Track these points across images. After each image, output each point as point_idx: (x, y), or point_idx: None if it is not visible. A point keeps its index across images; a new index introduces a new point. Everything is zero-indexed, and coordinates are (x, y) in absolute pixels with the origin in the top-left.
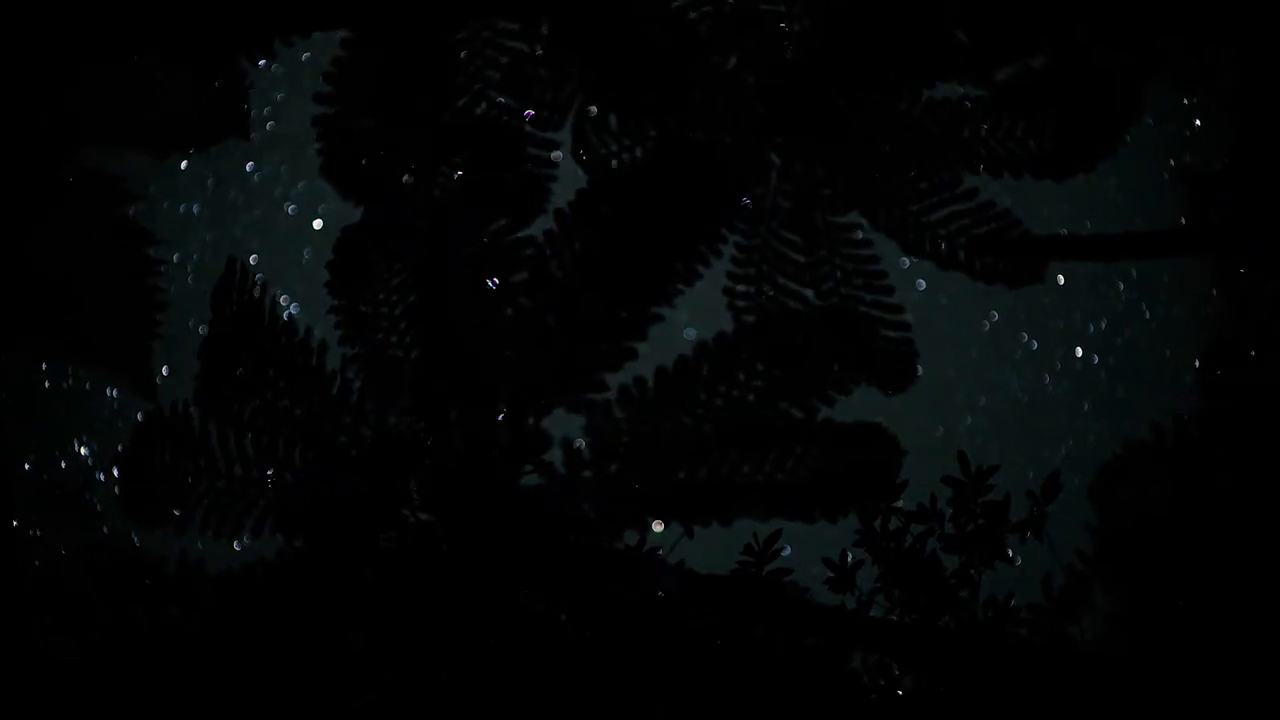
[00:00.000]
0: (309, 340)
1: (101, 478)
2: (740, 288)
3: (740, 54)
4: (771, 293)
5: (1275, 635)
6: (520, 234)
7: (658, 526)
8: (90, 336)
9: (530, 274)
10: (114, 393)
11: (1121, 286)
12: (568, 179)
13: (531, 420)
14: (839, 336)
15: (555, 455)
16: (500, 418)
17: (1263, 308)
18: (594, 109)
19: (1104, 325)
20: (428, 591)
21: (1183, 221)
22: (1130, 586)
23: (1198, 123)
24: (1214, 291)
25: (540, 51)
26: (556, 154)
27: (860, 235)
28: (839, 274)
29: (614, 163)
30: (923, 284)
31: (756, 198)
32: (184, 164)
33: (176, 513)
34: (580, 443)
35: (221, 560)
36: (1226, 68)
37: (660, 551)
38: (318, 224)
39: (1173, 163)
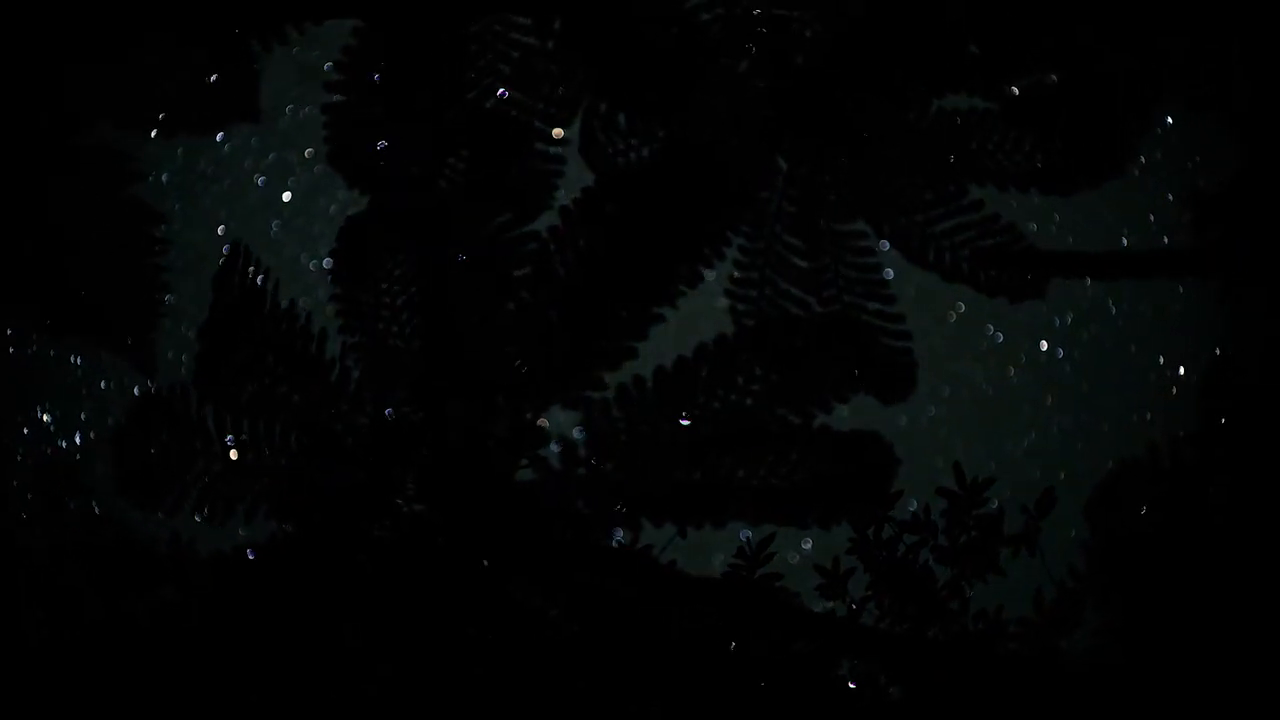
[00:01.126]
0: (309, 327)
1: (63, 445)
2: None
3: (751, 57)
4: (774, 296)
5: (1267, 655)
6: (525, 229)
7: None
8: (95, 314)
9: (533, 269)
10: (77, 360)
11: (1088, 281)
12: (574, 176)
13: (529, 415)
14: (838, 344)
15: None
16: (497, 411)
17: (1261, 324)
18: (603, 107)
19: (1069, 319)
20: (421, 582)
21: (1188, 241)
22: (1123, 603)
23: (1205, 143)
24: (1216, 309)
25: (551, 48)
26: (558, 132)
27: (865, 243)
28: (842, 281)
29: (621, 161)
30: (890, 273)
31: (762, 202)
32: (153, 133)
33: (169, 495)
34: (543, 421)
35: (213, 544)
36: (1236, 89)
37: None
38: (286, 196)
39: (1179, 182)
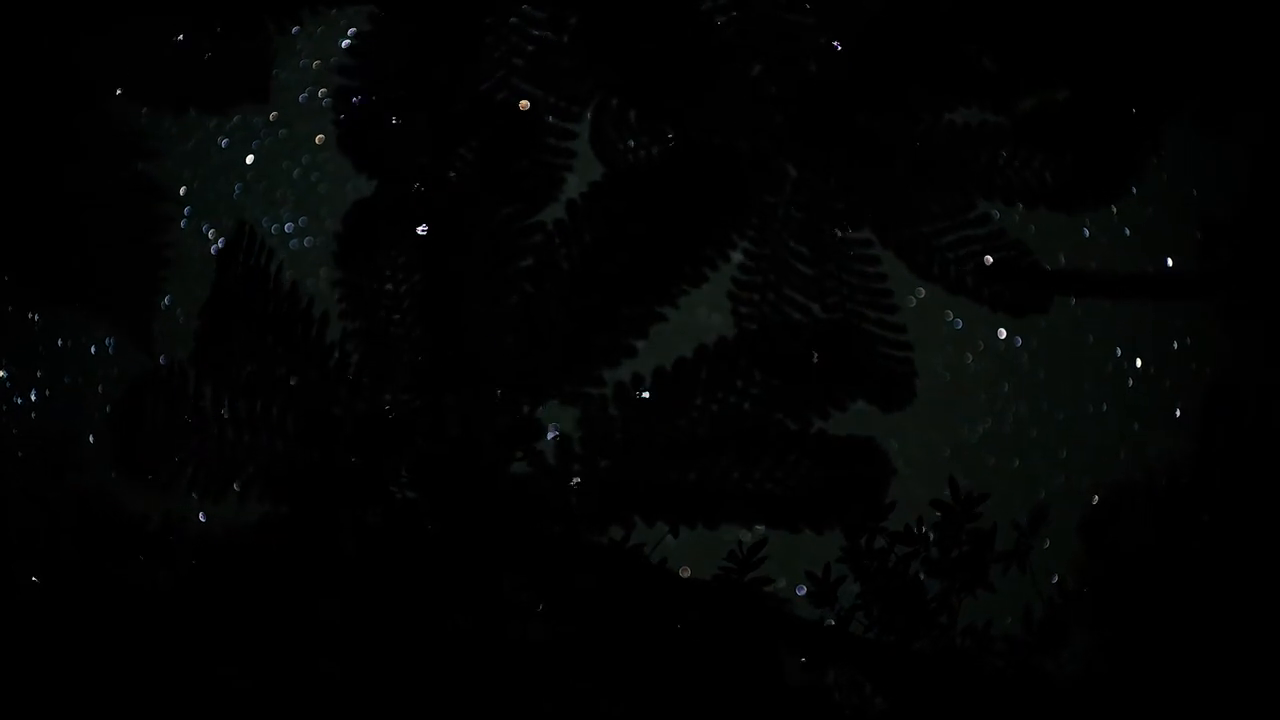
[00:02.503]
0: (311, 310)
1: (19, 401)
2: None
3: (764, 62)
4: (777, 301)
5: (1256, 680)
6: (530, 221)
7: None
8: (98, 287)
9: (537, 262)
10: (35, 318)
11: (1039, 263)
12: (583, 171)
13: (526, 409)
14: (838, 351)
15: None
16: (495, 404)
17: (1264, 346)
18: (615, 103)
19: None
20: (411, 569)
21: (1195, 262)
22: (1112, 624)
23: (1215, 164)
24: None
25: (566, 42)
26: (524, 104)
27: (870, 252)
28: (845, 289)
29: (630, 159)
30: (853, 253)
31: (769, 207)
32: (118, 91)
33: (163, 472)
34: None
35: (206, 523)
36: (1247, 110)
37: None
38: (249, 159)
39: (1186, 202)
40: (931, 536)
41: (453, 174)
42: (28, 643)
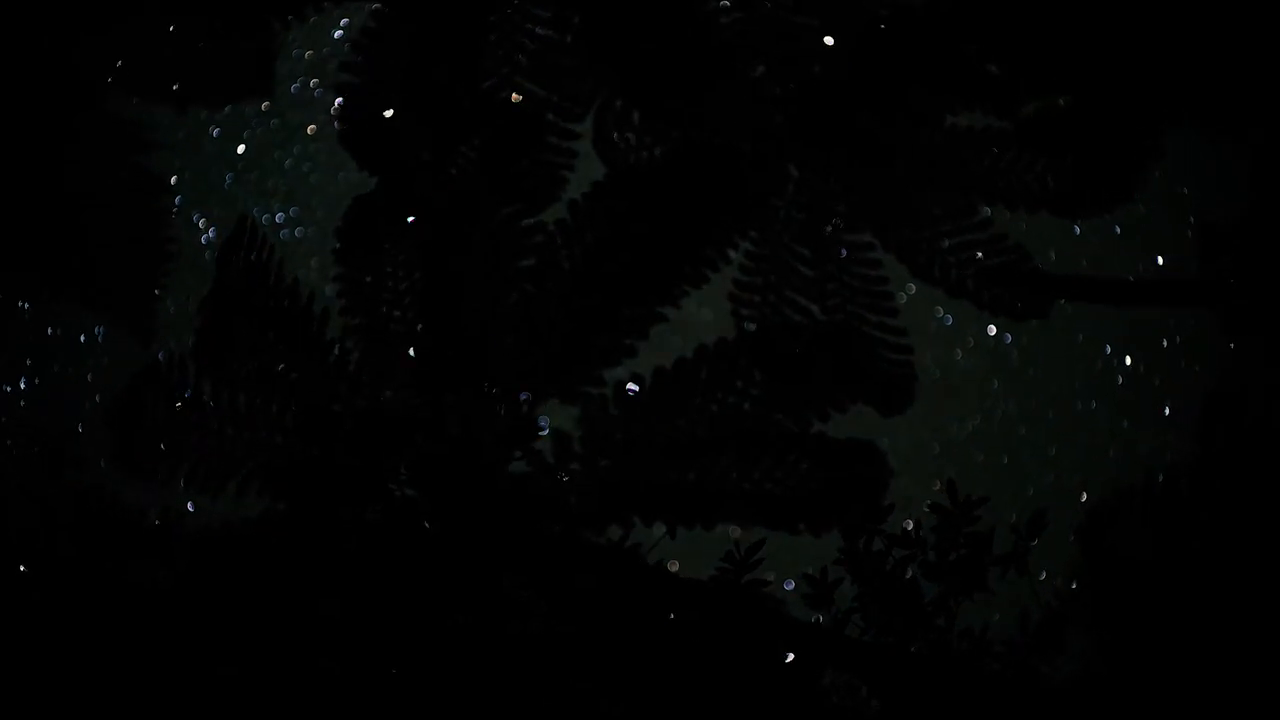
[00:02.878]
0: (312, 306)
1: (9, 389)
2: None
3: (766, 63)
4: (777, 303)
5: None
6: (532, 220)
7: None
8: (100, 280)
9: (538, 261)
10: (25, 306)
11: (1040, 268)
12: (586, 170)
13: (525, 408)
14: (837, 354)
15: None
16: (494, 402)
17: (1264, 353)
18: (618, 103)
19: (1018, 305)
20: (409, 567)
21: (1196, 269)
22: (1110, 628)
23: (1211, 164)
24: (1222, 340)
25: (570, 41)
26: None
27: (871, 254)
28: (846, 291)
29: (632, 159)
30: (844, 253)
31: (771, 208)
32: (109, 80)
33: (162, 467)
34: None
35: (202, 520)
36: (1246, 112)
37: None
38: (241, 149)
39: (1188, 208)
40: (924, 536)
41: (454, 172)
42: (24, 641)
